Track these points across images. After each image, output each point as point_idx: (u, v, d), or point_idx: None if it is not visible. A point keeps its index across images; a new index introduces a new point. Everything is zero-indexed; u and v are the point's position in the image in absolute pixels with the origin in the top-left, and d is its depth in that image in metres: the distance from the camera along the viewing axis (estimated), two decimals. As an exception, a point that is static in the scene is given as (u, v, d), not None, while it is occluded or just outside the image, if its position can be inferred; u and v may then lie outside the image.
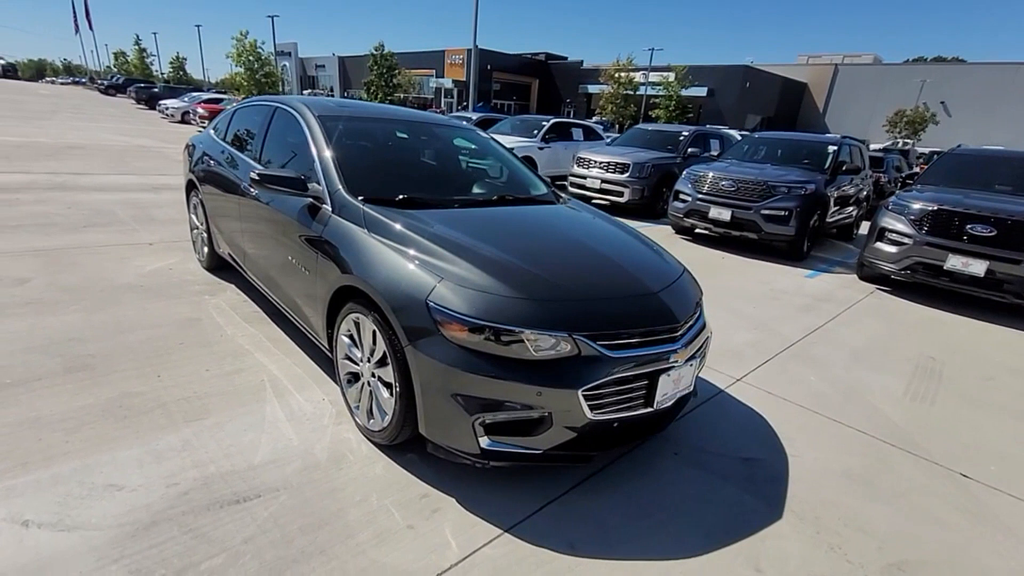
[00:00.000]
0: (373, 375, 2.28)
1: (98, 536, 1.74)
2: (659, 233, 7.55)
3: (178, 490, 1.97)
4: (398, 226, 2.33)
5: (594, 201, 9.01)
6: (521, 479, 2.20)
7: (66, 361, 2.79)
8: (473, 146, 3.76)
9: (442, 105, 44.42)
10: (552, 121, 11.65)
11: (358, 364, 2.38)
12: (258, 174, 2.69)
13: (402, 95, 40.45)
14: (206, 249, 4.29)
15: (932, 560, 2.00)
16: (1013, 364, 4.06)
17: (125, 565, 1.65)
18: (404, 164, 3.31)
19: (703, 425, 2.78)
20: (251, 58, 34.09)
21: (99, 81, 51.74)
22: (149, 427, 2.32)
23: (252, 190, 3.19)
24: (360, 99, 35.54)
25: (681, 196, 7.43)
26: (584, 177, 9.42)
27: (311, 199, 2.68)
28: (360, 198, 2.55)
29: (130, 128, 17.73)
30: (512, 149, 4.51)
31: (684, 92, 37.72)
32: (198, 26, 55.21)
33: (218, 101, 22.56)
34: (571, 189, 9.61)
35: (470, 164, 3.64)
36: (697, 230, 7.60)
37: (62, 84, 63.97)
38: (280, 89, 39.45)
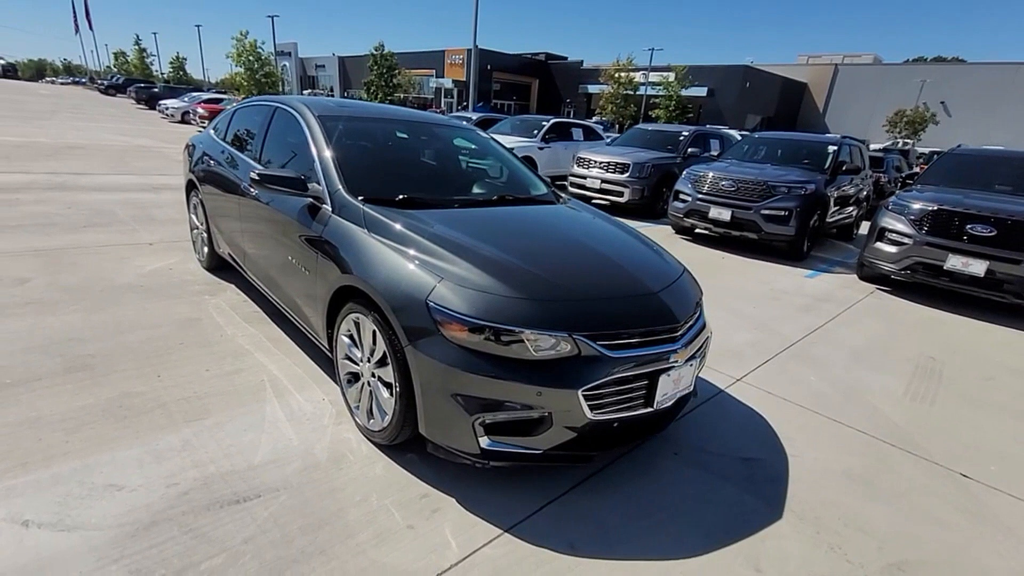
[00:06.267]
0: (373, 375, 2.28)
1: (98, 536, 1.74)
2: (659, 233, 7.55)
3: (178, 490, 1.97)
4: (398, 226, 2.33)
5: (594, 201, 9.00)
6: (521, 479, 2.20)
7: (66, 361, 2.79)
8: (473, 146, 3.76)
9: (442, 105, 44.40)
10: (552, 121, 11.65)
11: (358, 364, 2.38)
12: (258, 174, 2.69)
13: (402, 95, 40.43)
14: (206, 249, 4.29)
15: (932, 560, 2.00)
16: (1013, 364, 4.06)
17: (125, 565, 1.65)
18: (404, 164, 3.31)
19: (703, 425, 2.78)
20: (251, 58, 34.12)
21: (99, 81, 51.77)
22: (149, 427, 2.33)
23: (252, 190, 3.19)
24: (360, 99, 35.54)
25: (681, 196, 7.43)
26: (584, 177, 9.42)
27: (311, 199, 2.68)
28: (360, 198, 2.55)
29: (130, 128, 17.73)
30: (512, 149, 4.51)
31: (684, 92, 37.72)
32: (198, 26, 55.29)
33: (218, 101, 22.56)
34: (571, 189, 9.60)
35: (470, 164, 3.64)
36: (697, 230, 7.60)
37: (62, 84, 64.00)
38: (280, 89, 39.46)
